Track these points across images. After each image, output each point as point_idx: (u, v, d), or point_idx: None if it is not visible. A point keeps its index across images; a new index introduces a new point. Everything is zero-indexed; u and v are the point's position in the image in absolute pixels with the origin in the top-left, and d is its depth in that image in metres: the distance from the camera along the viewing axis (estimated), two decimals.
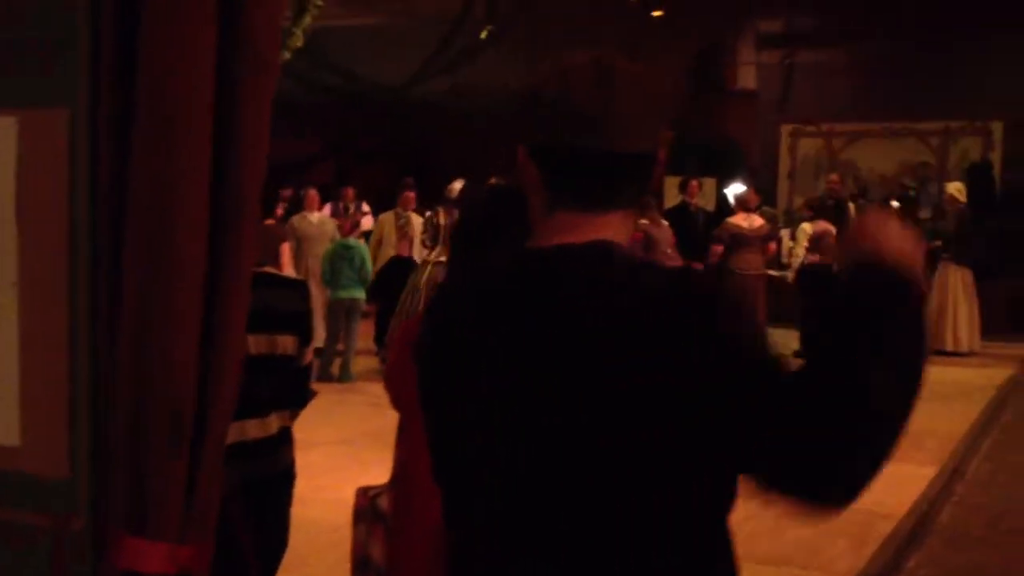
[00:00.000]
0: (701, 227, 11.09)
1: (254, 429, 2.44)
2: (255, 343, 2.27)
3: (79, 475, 1.58)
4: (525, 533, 1.28)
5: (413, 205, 10.53)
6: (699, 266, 9.95)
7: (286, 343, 2.50)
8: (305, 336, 2.57)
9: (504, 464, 1.29)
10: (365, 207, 11.74)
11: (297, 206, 10.48)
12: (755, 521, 5.16)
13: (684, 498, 1.24)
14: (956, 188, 11.52)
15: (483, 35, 12.10)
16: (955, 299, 11.09)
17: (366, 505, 2.35)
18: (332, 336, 8.78)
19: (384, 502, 2.34)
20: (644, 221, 9.81)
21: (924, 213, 12.40)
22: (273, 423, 2.50)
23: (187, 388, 1.55)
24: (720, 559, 1.32)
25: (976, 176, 14.14)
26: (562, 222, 1.31)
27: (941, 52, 13.95)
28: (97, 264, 1.55)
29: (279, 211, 11.32)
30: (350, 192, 11.95)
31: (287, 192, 11.93)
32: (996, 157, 15.07)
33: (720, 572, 1.32)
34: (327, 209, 11.35)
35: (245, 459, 2.35)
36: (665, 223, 10.18)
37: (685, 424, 1.20)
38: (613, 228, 1.31)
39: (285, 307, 2.51)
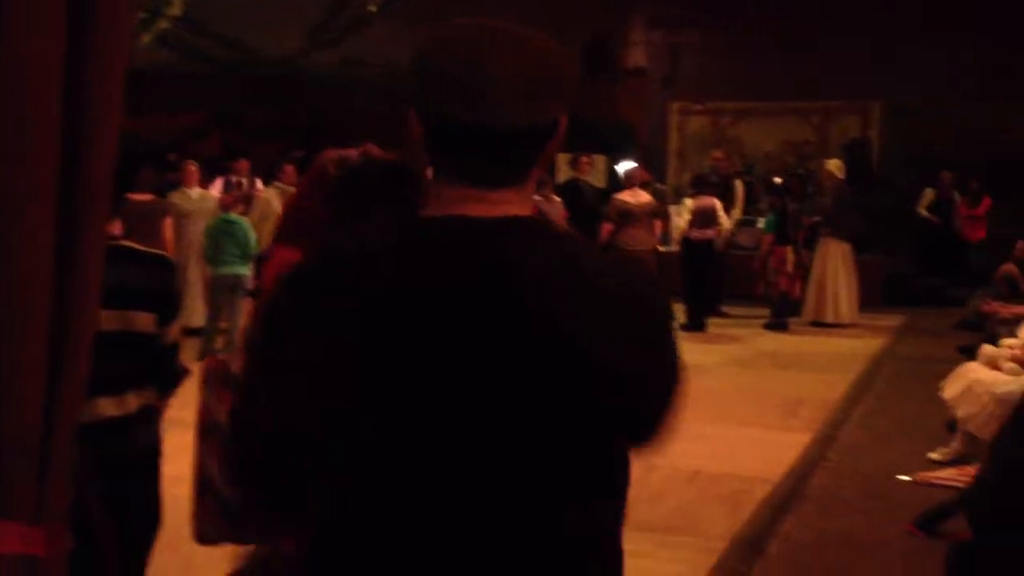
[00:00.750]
0: (591, 203, 11.21)
1: (109, 407, 2.37)
2: (108, 319, 2.19)
3: None
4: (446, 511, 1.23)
5: (295, 179, 10.32)
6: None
7: (143, 320, 2.41)
8: (165, 313, 2.49)
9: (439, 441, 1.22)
10: (259, 184, 11.44)
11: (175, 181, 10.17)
12: (636, 488, 5.28)
13: (607, 463, 1.31)
14: (834, 165, 11.87)
15: (372, 8, 11.95)
16: (835, 273, 11.45)
17: (215, 368, 2.16)
18: (214, 313, 8.61)
19: (234, 365, 2.23)
20: (537, 196, 9.86)
21: (810, 189, 12.75)
22: (131, 401, 2.43)
23: (37, 367, 1.51)
24: (613, 532, 1.35)
25: (854, 153, 14.62)
26: (452, 195, 1.25)
27: (824, 33, 14.33)
28: None
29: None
30: (244, 165, 11.54)
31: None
32: (874, 136, 15.59)
33: (612, 546, 1.35)
34: (218, 183, 11.06)
35: (101, 438, 2.28)
36: (557, 199, 10.27)
37: (618, 390, 1.25)
38: (508, 204, 1.26)
39: (142, 283, 2.41)
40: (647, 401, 1.30)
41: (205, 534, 2.09)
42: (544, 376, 1.20)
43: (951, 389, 5.81)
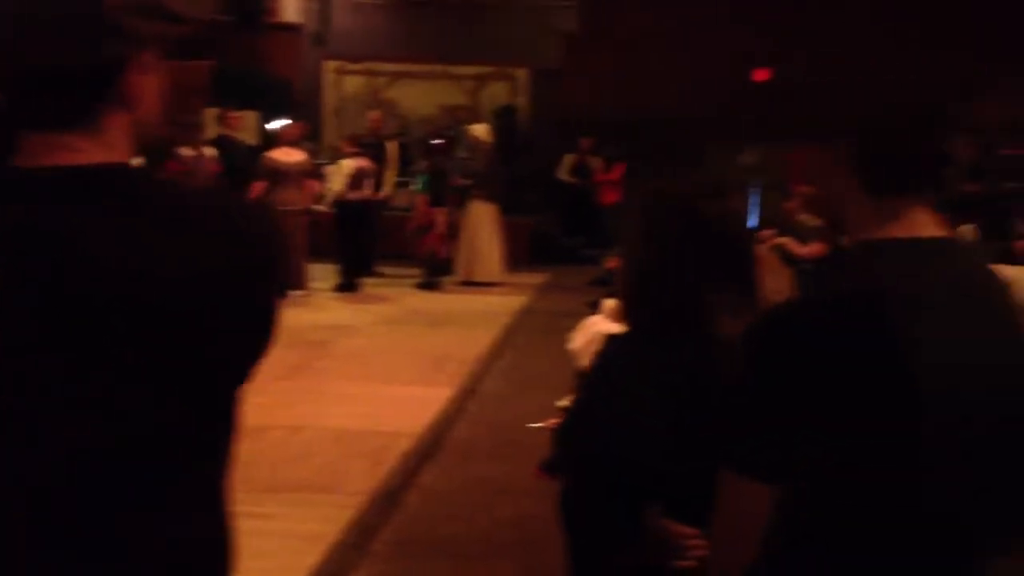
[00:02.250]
0: (242, 161, 10.90)
1: None
2: None
3: None
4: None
5: None
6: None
7: None
8: None
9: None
10: None
11: None
12: (279, 449, 5.25)
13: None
14: (481, 129, 12.29)
15: None
16: (483, 233, 11.90)
17: None
18: None
19: None
20: (187, 150, 9.57)
21: (462, 152, 13.13)
22: None
23: None
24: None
25: (501, 119, 15.25)
26: (31, 143, 1.18)
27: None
28: None
29: None
30: None
31: None
32: (523, 102, 16.32)
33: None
34: None
35: None
36: (210, 151, 9.97)
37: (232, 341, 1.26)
38: (87, 151, 1.19)
39: None
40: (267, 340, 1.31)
41: None
42: (139, 339, 1.15)
43: (576, 341, 6.23)
